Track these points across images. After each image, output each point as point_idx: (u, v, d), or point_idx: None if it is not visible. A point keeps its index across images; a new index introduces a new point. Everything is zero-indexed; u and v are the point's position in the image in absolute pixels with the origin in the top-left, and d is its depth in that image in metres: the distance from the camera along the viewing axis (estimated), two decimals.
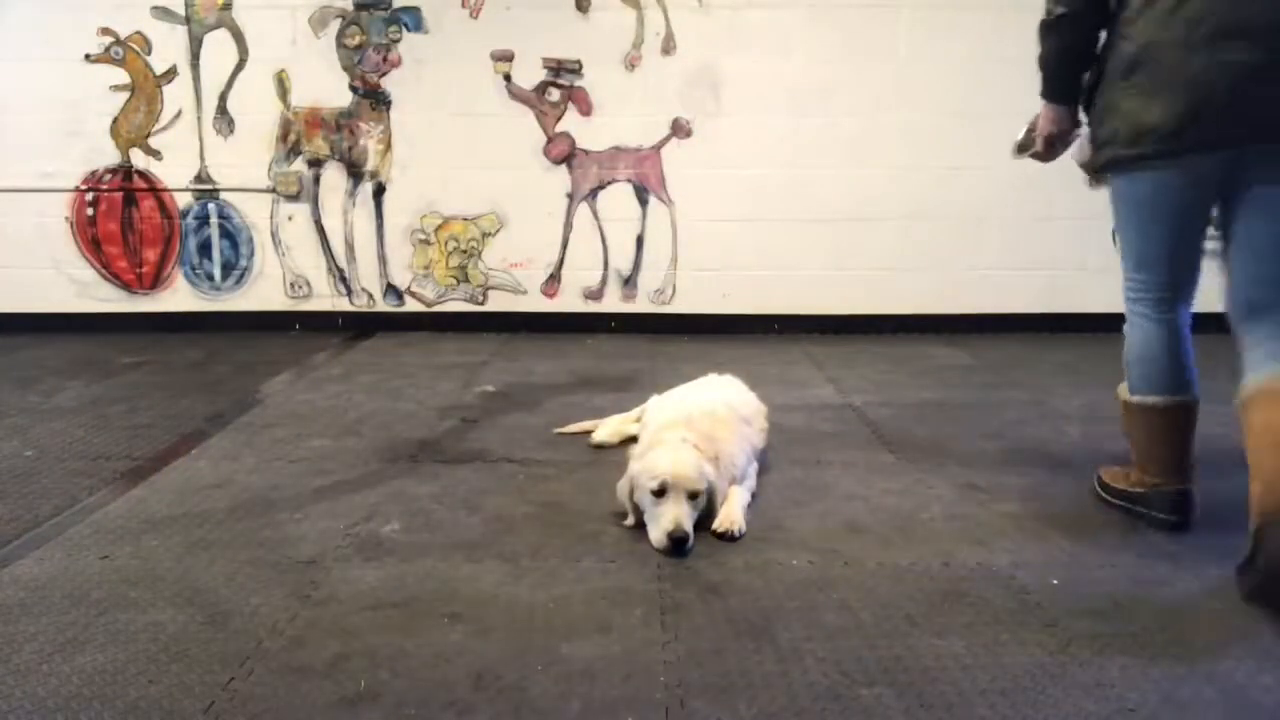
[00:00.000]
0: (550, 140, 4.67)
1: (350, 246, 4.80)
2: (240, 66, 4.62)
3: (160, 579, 2.01)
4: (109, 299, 4.82)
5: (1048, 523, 2.32)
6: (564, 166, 4.70)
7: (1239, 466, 2.73)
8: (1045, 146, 2.46)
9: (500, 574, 2.03)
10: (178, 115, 4.66)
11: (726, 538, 2.19)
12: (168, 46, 4.60)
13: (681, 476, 2.16)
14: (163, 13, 4.58)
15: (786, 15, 4.54)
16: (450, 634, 1.78)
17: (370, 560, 2.10)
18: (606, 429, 2.97)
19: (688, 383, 2.89)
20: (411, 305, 4.84)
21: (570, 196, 4.72)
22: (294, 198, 4.74)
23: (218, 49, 4.60)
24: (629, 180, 4.72)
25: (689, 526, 2.13)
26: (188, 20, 4.58)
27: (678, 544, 2.10)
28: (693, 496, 2.17)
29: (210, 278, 4.83)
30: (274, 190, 4.72)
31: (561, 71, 4.61)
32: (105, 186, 4.73)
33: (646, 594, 1.94)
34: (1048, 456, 2.85)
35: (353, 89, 4.65)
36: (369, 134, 4.68)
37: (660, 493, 2.16)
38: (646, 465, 2.22)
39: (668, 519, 2.12)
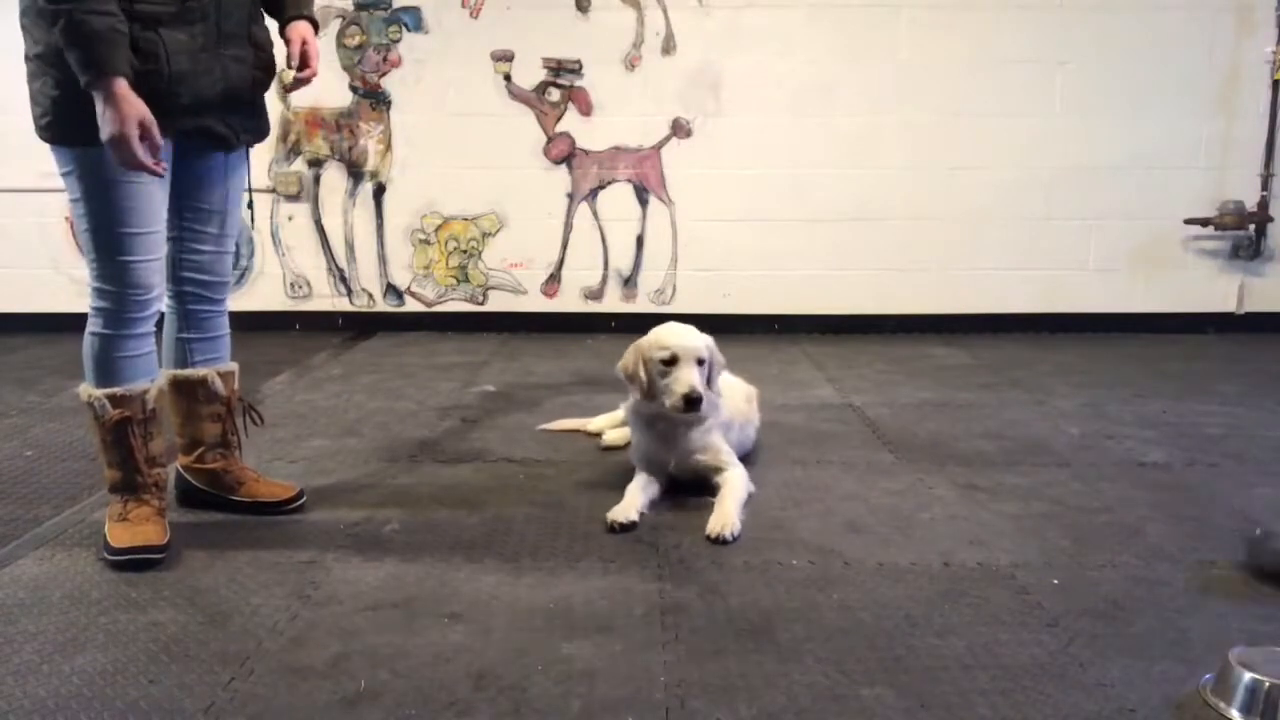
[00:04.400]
0: (550, 140, 4.67)
1: (350, 246, 4.80)
2: None
3: (160, 579, 2.01)
4: None
5: (1048, 523, 2.32)
6: (564, 166, 4.70)
7: (1252, 471, 2.75)
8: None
9: (500, 574, 2.03)
10: None
11: (720, 542, 2.18)
12: None
13: (688, 345, 2.37)
14: None
15: (786, 15, 4.54)
16: (450, 634, 1.78)
17: (370, 560, 2.10)
18: (616, 432, 2.95)
19: None
20: (411, 305, 4.84)
21: (570, 196, 4.73)
22: (294, 198, 4.74)
23: None
24: (629, 180, 4.72)
25: (702, 387, 2.33)
26: None
27: (693, 403, 2.31)
28: (700, 362, 2.36)
29: None
30: (274, 190, 4.72)
31: (561, 71, 4.62)
32: None
33: (646, 594, 1.94)
34: (1048, 456, 2.85)
35: (353, 89, 4.65)
36: (369, 134, 4.69)
37: (670, 361, 2.35)
38: (654, 338, 2.42)
39: (682, 383, 2.32)
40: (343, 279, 4.84)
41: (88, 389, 2.10)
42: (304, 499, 2.39)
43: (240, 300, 4.81)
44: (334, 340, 4.62)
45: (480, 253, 4.80)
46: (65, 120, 1.94)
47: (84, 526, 2.29)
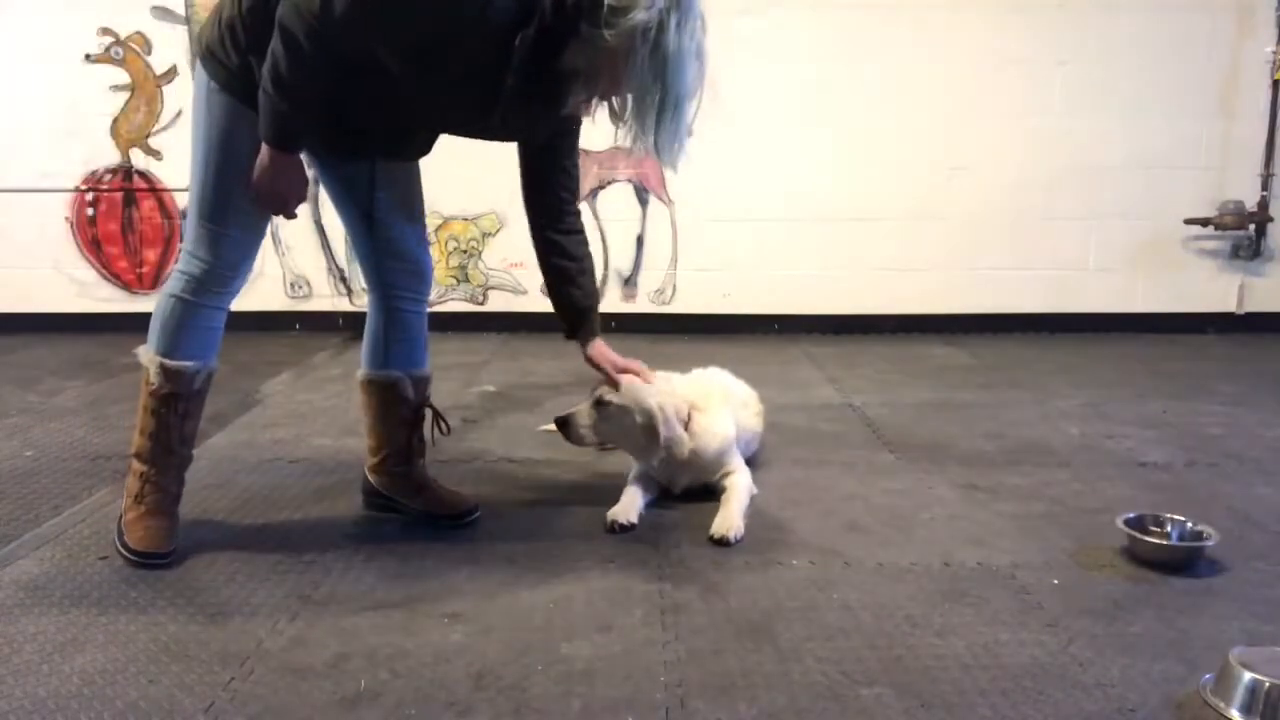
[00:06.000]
0: None
1: (351, 247, 4.79)
2: None
3: (160, 579, 2.01)
4: (109, 299, 4.82)
5: (1048, 523, 2.32)
6: None
7: (1252, 471, 2.75)
8: None
9: (500, 574, 2.03)
10: (178, 115, 4.65)
11: (722, 544, 2.18)
12: (168, 46, 4.60)
13: (596, 380, 2.37)
14: (163, 13, 4.58)
15: (787, 15, 4.54)
16: (450, 634, 1.78)
17: (370, 560, 2.10)
18: None
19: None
20: None
21: None
22: None
23: None
24: (629, 180, 4.72)
25: (576, 419, 2.34)
26: (188, 20, 4.58)
27: (559, 424, 2.37)
28: (600, 403, 2.33)
29: None
30: None
31: None
32: (105, 186, 4.73)
33: (646, 594, 1.94)
34: (1048, 456, 2.85)
35: None
36: None
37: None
38: None
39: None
40: (343, 279, 4.84)
41: (147, 352, 2.09)
42: (478, 512, 2.33)
43: (240, 300, 4.79)
44: (334, 340, 4.62)
45: (480, 253, 4.80)
46: (247, 82, 1.89)
47: (84, 526, 2.29)
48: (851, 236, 4.72)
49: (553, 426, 3.07)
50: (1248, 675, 1.52)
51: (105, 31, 4.58)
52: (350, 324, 4.83)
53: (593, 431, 2.35)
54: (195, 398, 2.14)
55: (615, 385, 2.32)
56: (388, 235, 2.25)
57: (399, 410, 2.32)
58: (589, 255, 2.34)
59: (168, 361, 2.06)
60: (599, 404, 2.34)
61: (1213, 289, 4.79)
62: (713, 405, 2.49)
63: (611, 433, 2.37)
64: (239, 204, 2.00)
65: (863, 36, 4.56)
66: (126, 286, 4.83)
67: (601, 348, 2.33)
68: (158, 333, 2.08)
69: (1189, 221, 4.67)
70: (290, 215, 2.04)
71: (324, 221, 4.76)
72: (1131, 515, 2.15)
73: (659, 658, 1.69)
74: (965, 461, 2.80)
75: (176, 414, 2.11)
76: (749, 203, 4.70)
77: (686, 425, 2.36)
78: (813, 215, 4.71)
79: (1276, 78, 4.54)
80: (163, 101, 4.66)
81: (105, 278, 4.82)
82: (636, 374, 2.34)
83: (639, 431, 2.33)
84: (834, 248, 4.74)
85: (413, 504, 2.33)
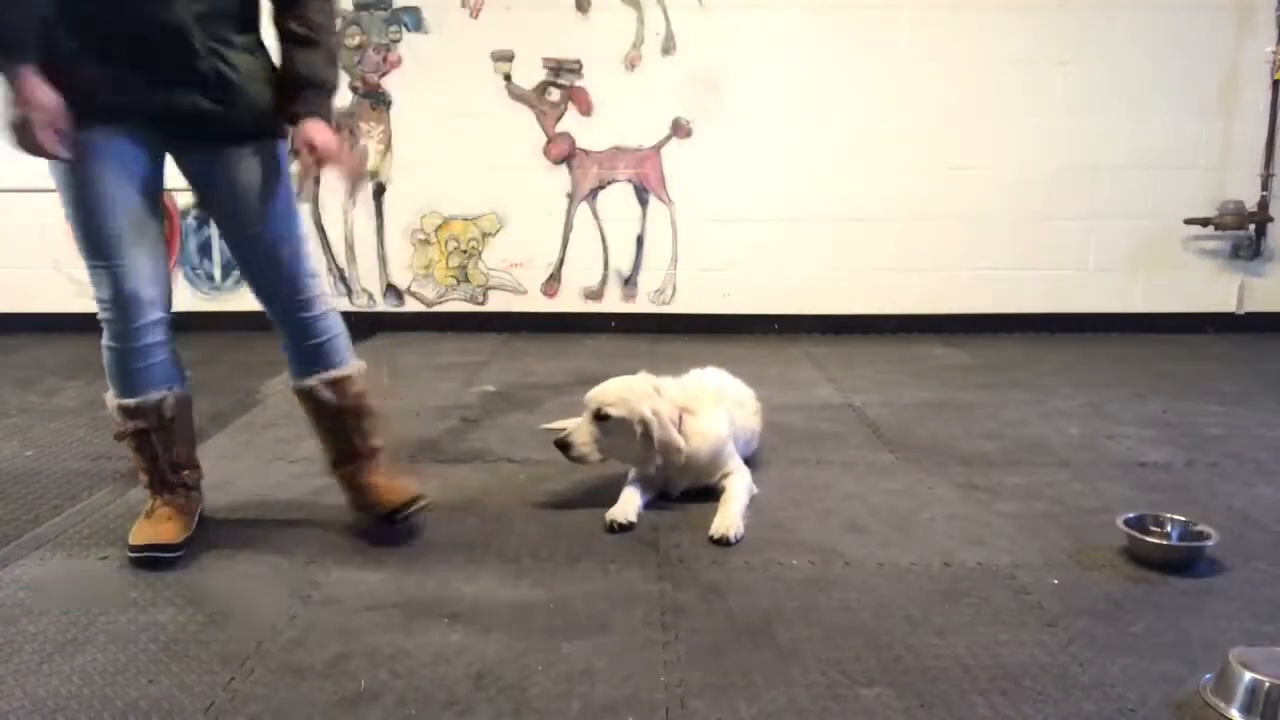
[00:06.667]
0: (550, 140, 4.67)
1: (350, 246, 4.80)
2: None
3: (160, 579, 2.01)
4: None
5: (1048, 523, 2.32)
6: (564, 166, 4.70)
7: (1252, 471, 2.75)
8: None
9: (500, 574, 2.03)
10: None
11: (722, 543, 2.18)
12: None
13: (589, 399, 2.38)
14: None
15: (786, 15, 4.54)
16: (450, 634, 1.78)
17: (370, 560, 2.10)
18: None
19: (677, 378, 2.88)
20: (411, 305, 4.84)
21: (570, 196, 4.72)
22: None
23: None
24: (629, 180, 4.72)
25: (576, 438, 2.34)
26: None
27: (559, 446, 2.36)
28: (600, 417, 2.34)
29: (210, 278, 4.83)
30: None
31: (561, 71, 4.62)
32: None
33: (646, 594, 1.94)
34: (1048, 456, 2.85)
35: (353, 89, 4.65)
36: (369, 134, 4.68)
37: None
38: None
39: (566, 431, 2.39)
40: (343, 279, 4.84)
41: (109, 397, 2.13)
42: (423, 502, 2.22)
43: (240, 300, 4.81)
44: None
45: (480, 253, 4.80)
46: None
47: (84, 526, 2.29)
48: (851, 236, 4.72)
49: (554, 425, 3.09)
50: (1248, 675, 1.52)
51: None
52: (350, 324, 4.82)
53: (595, 449, 2.36)
54: (170, 426, 2.13)
55: (313, 165, 2.03)
56: (241, 259, 2.17)
57: (326, 415, 2.25)
58: (330, 32, 2.04)
59: (124, 401, 2.09)
60: (599, 419, 2.34)
61: (1212, 289, 4.79)
62: (704, 407, 2.48)
63: (614, 446, 2.37)
64: (103, 234, 1.98)
65: (863, 36, 4.56)
66: None
67: (315, 127, 2.00)
68: (109, 380, 2.12)
69: (1189, 221, 4.67)
70: (45, 152, 1.91)
71: (323, 222, 4.77)
72: (1131, 515, 2.15)
73: (659, 658, 1.69)
74: (965, 461, 2.80)
75: (157, 445, 2.12)
76: (749, 203, 4.70)
77: (679, 429, 2.37)
78: (813, 215, 4.71)
79: (1276, 78, 4.54)
80: None
81: None
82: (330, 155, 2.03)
83: (638, 441, 2.33)
84: (834, 248, 4.74)
85: (356, 505, 2.27)
